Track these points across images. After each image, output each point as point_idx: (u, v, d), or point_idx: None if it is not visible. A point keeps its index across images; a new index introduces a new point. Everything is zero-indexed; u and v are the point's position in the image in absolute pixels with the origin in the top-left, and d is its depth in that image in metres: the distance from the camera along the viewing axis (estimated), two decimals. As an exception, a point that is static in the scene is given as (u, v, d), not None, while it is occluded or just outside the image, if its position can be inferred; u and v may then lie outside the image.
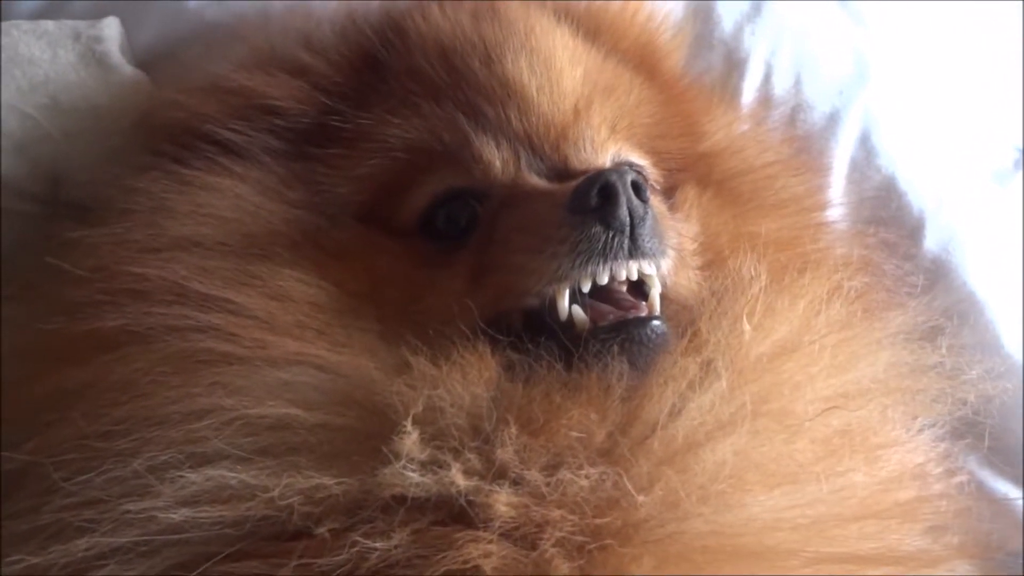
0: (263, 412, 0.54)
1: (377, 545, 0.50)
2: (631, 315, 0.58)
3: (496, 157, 0.65)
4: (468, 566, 0.50)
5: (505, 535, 0.51)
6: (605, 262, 0.58)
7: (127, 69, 0.75)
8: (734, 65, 0.90)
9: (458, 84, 0.67)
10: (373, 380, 0.55)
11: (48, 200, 0.74)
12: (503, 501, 0.51)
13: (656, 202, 0.64)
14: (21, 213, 0.74)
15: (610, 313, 0.58)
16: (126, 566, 0.51)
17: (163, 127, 0.69)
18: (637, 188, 0.59)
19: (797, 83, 0.91)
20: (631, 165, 0.67)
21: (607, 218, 0.58)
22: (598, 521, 0.51)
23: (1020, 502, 0.82)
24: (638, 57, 0.77)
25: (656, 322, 0.58)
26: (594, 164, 0.66)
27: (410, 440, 0.52)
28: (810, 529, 0.56)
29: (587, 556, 0.51)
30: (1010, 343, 0.87)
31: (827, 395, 0.59)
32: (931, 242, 0.90)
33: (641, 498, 0.52)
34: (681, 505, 0.52)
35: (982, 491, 0.81)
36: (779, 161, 0.84)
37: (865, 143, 0.91)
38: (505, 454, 0.52)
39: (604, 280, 0.58)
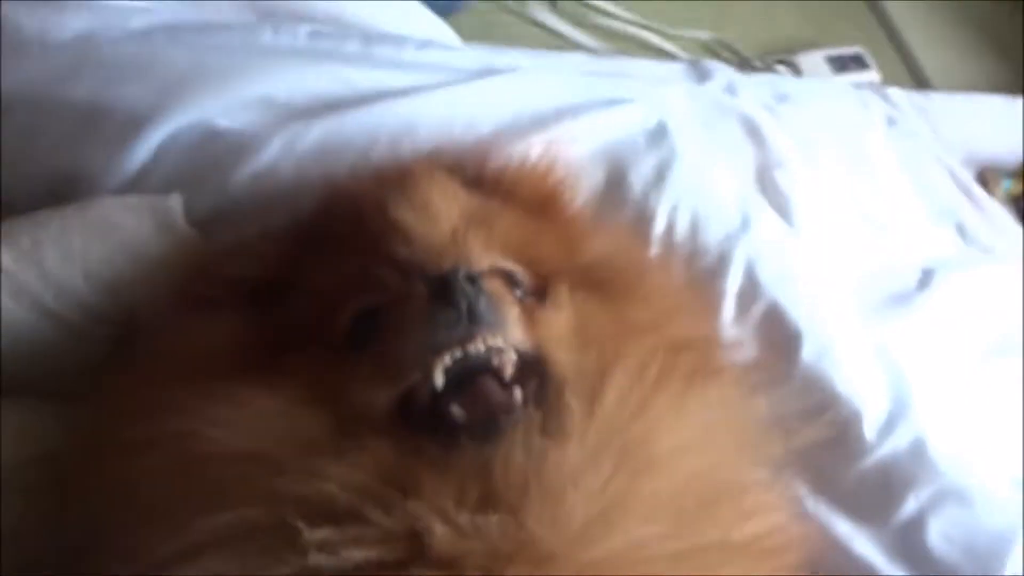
0: (230, 512, 0.65)
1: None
2: (497, 411, 0.72)
3: (390, 279, 0.80)
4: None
5: (441, 568, 0.63)
6: (451, 331, 0.73)
7: (187, 231, 1.00)
8: (644, 220, 1.15)
9: (362, 233, 0.86)
10: (290, 474, 0.67)
11: (122, 325, 0.98)
12: (437, 541, 0.63)
13: (497, 286, 0.81)
14: (93, 335, 0.96)
15: (481, 410, 0.72)
16: None
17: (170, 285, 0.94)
18: (471, 279, 0.74)
19: (693, 232, 1.16)
20: (501, 269, 0.85)
21: (447, 300, 0.73)
22: (508, 554, 0.63)
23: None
24: (529, 198, 0.97)
25: (516, 411, 0.72)
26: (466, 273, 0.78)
27: (313, 529, 0.63)
28: (677, 559, 0.67)
29: None
30: (869, 432, 1.07)
31: (674, 444, 0.75)
32: (807, 352, 1.11)
33: (538, 533, 0.64)
34: (570, 537, 0.66)
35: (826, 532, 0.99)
36: (644, 263, 1.05)
37: (750, 276, 1.15)
38: (403, 517, 0.64)
39: (458, 353, 0.72)
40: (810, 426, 1.01)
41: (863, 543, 1.04)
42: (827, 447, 1.05)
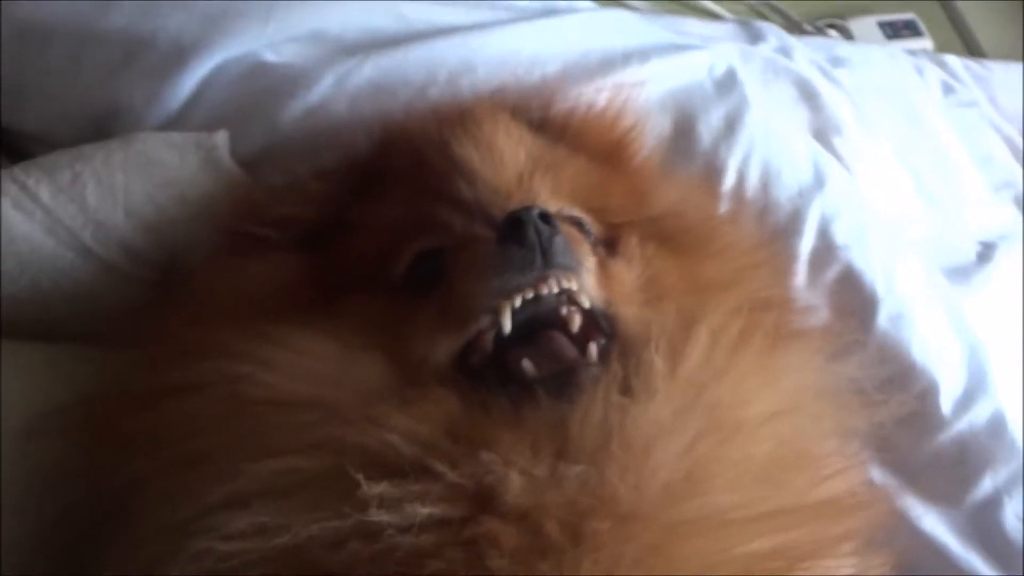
0: (281, 459, 0.62)
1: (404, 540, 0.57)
2: (569, 365, 0.68)
3: (454, 221, 0.77)
4: (485, 543, 0.58)
5: (513, 521, 0.59)
6: (524, 274, 0.68)
7: (235, 170, 0.95)
8: (713, 173, 1.08)
9: (422, 172, 0.83)
10: (350, 423, 0.64)
11: (164, 268, 0.93)
12: (512, 493, 0.60)
13: (569, 229, 0.76)
14: (135, 276, 0.92)
15: (552, 365, 0.68)
16: None
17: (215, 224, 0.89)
18: (546, 218, 0.70)
19: (765, 187, 1.09)
20: (570, 217, 0.81)
21: (519, 239, 0.68)
22: (588, 508, 0.60)
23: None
24: (597, 146, 0.93)
25: (592, 368, 0.68)
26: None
27: (372, 482, 0.60)
28: (759, 522, 0.64)
29: (584, 538, 0.59)
30: (946, 405, 1.02)
31: (762, 409, 0.71)
32: (882, 318, 1.05)
33: (620, 490, 0.60)
34: (653, 497, 0.62)
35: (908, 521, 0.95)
36: (716, 218, 1.00)
37: (824, 235, 1.08)
38: (468, 473, 0.61)
39: (530, 294, 0.68)
40: (884, 397, 0.95)
41: (933, 522, 0.99)
42: (900, 420, 0.99)
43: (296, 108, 1.01)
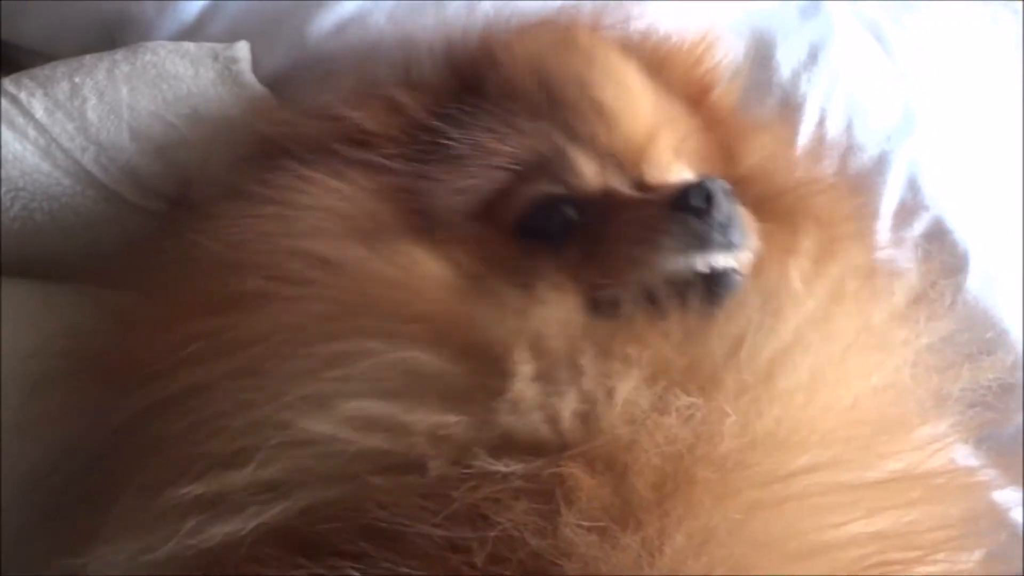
0: (402, 356, 0.57)
1: (499, 468, 0.52)
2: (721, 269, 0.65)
3: (588, 168, 0.70)
4: (561, 489, 0.52)
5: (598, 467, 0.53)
6: (705, 252, 0.64)
7: (258, 87, 0.81)
8: (790, 108, 0.93)
9: (553, 105, 0.72)
10: (487, 323, 0.59)
11: (174, 199, 0.81)
12: (608, 423, 0.54)
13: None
14: (148, 209, 0.79)
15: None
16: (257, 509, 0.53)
17: (282, 140, 0.74)
18: (727, 194, 0.65)
19: (849, 127, 0.94)
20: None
21: (709, 216, 0.64)
22: (686, 452, 0.54)
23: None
24: (688, 91, 0.82)
25: (738, 276, 0.65)
26: (665, 180, 0.72)
27: (522, 374, 0.55)
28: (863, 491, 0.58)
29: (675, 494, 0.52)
30: None
31: (859, 368, 0.64)
32: (972, 279, 0.91)
33: (728, 428, 0.54)
34: (759, 443, 0.55)
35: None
36: (809, 182, 0.86)
37: (912, 185, 0.94)
38: (597, 381, 0.55)
39: (706, 270, 0.64)
40: (972, 366, 0.82)
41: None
42: (989, 393, 0.87)
43: (327, 20, 0.86)
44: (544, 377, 0.56)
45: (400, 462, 0.54)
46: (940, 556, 0.57)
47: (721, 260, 0.65)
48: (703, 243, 0.65)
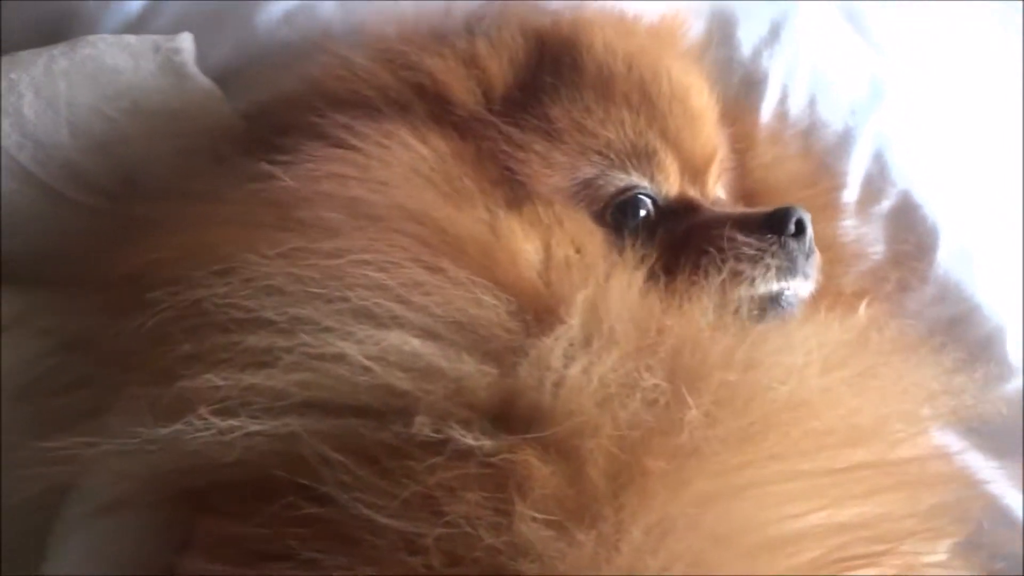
0: (474, 297, 0.56)
1: (467, 441, 0.50)
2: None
3: (674, 171, 0.72)
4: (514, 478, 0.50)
5: (548, 448, 0.51)
6: (793, 277, 0.68)
7: (201, 79, 0.78)
8: (752, 86, 0.91)
9: (647, 101, 0.73)
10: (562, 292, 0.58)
11: (116, 196, 0.77)
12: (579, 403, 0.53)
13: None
14: (86, 205, 0.77)
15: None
16: (261, 419, 0.52)
17: (358, 89, 0.71)
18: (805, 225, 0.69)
19: (812, 103, 0.92)
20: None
21: (800, 243, 0.68)
22: (643, 438, 0.52)
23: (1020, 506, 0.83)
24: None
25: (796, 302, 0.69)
26: (714, 196, 0.76)
27: (562, 333, 0.54)
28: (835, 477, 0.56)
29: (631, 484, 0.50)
30: (1014, 353, 0.87)
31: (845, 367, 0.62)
32: (943, 253, 0.89)
33: (693, 414, 0.53)
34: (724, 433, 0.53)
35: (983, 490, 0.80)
36: (797, 182, 0.87)
37: (879, 160, 0.91)
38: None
39: (787, 290, 0.69)
40: (945, 342, 0.80)
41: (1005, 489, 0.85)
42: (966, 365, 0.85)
43: (275, 9, 0.84)
44: (583, 342, 0.55)
45: (398, 407, 0.52)
46: (907, 547, 0.55)
47: (802, 288, 0.69)
48: (794, 267, 0.68)
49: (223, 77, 0.83)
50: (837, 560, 0.52)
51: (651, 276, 0.64)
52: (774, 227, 0.69)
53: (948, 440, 0.81)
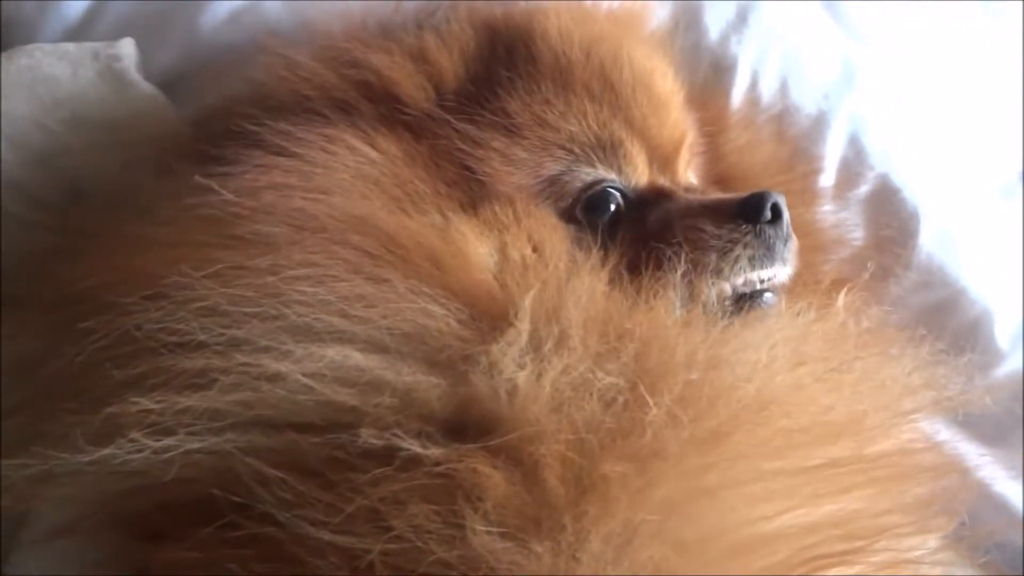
0: (421, 307, 0.54)
1: (416, 451, 0.49)
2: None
3: (642, 160, 0.69)
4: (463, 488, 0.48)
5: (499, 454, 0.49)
6: (771, 265, 0.66)
7: (143, 85, 0.75)
8: (721, 72, 0.88)
9: (610, 90, 0.70)
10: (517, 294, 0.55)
11: (60, 209, 0.73)
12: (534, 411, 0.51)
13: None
14: (32, 221, 0.73)
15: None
16: (200, 437, 0.50)
17: (301, 91, 0.68)
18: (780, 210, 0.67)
19: (783, 88, 0.89)
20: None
21: (777, 228, 0.66)
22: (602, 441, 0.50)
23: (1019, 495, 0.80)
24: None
25: (773, 295, 0.67)
26: (685, 182, 0.73)
27: (511, 337, 0.52)
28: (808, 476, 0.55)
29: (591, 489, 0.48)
30: (1002, 337, 0.85)
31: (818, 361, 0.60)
32: (926, 237, 0.87)
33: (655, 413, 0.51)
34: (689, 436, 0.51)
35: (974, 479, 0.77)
36: (771, 167, 0.85)
37: (855, 143, 0.89)
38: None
39: (765, 278, 0.66)
40: (927, 330, 0.78)
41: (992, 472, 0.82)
42: (950, 353, 0.82)
43: (220, 10, 0.81)
44: (533, 345, 0.53)
45: (344, 421, 0.50)
46: (884, 543, 0.53)
47: (781, 273, 0.66)
48: (772, 254, 0.65)
49: (169, 82, 0.80)
50: (808, 560, 0.50)
51: (616, 274, 0.61)
52: (748, 215, 0.66)
53: (937, 429, 0.79)
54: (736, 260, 0.65)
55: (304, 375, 0.50)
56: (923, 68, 1.10)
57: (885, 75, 0.94)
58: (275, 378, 0.50)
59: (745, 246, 0.66)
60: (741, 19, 0.91)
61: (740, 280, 0.66)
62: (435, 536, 0.46)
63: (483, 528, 0.46)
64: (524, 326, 0.53)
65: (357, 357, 0.51)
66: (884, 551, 0.53)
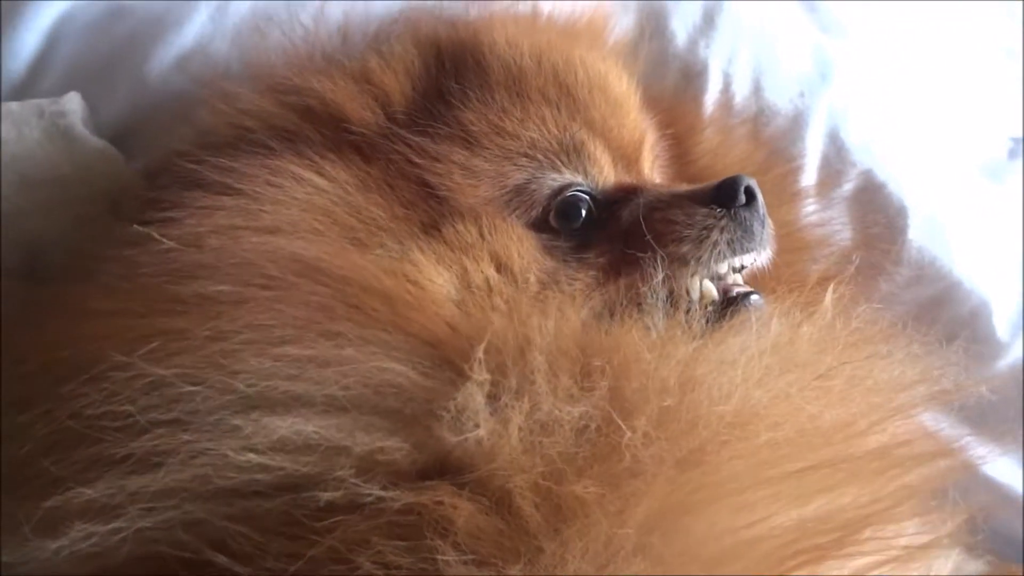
0: (377, 366, 0.51)
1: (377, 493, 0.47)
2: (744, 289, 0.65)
3: (606, 161, 0.67)
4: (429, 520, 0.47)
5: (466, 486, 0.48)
6: (751, 248, 0.65)
7: (91, 140, 0.72)
8: (691, 78, 0.86)
9: (567, 95, 0.68)
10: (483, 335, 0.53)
11: (21, 273, 0.71)
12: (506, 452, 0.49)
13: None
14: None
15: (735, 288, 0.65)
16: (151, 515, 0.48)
17: (242, 123, 0.66)
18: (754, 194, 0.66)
19: (757, 89, 0.87)
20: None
21: (752, 211, 0.64)
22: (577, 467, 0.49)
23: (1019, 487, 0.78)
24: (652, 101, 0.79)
25: (759, 297, 0.65)
26: (651, 181, 0.71)
27: (473, 387, 0.50)
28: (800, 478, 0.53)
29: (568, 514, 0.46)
30: (1001, 327, 0.82)
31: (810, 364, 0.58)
32: (915, 232, 0.84)
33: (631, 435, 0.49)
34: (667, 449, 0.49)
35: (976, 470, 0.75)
36: (746, 169, 0.82)
37: (835, 139, 0.86)
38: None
39: (745, 264, 0.65)
40: (925, 322, 0.75)
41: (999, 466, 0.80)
42: (947, 347, 0.80)
43: (166, 55, 0.78)
44: (499, 390, 0.51)
45: (303, 483, 0.48)
46: (865, 534, 0.51)
47: (761, 257, 0.65)
48: (751, 236, 0.64)
49: (120, 135, 0.77)
50: (793, 554, 0.49)
51: (589, 290, 0.60)
52: (722, 199, 0.65)
53: (933, 420, 0.77)
54: (715, 245, 0.64)
55: (256, 453, 0.47)
56: (898, 56, 1.07)
57: (860, 66, 0.91)
58: (224, 458, 0.48)
59: (722, 230, 0.64)
60: (708, 21, 0.88)
61: (722, 267, 0.64)
62: (404, 571, 0.45)
63: (455, 558, 0.45)
64: (483, 376, 0.50)
65: (311, 427, 0.48)
66: (871, 539, 0.52)
